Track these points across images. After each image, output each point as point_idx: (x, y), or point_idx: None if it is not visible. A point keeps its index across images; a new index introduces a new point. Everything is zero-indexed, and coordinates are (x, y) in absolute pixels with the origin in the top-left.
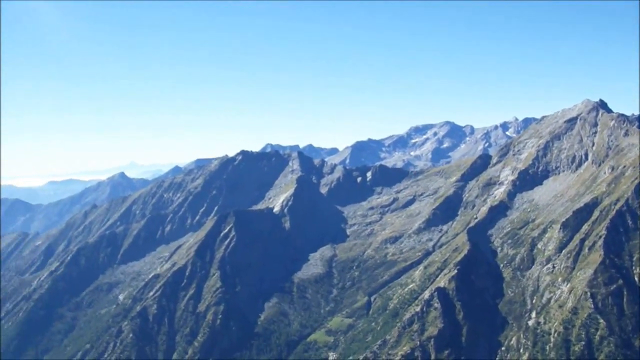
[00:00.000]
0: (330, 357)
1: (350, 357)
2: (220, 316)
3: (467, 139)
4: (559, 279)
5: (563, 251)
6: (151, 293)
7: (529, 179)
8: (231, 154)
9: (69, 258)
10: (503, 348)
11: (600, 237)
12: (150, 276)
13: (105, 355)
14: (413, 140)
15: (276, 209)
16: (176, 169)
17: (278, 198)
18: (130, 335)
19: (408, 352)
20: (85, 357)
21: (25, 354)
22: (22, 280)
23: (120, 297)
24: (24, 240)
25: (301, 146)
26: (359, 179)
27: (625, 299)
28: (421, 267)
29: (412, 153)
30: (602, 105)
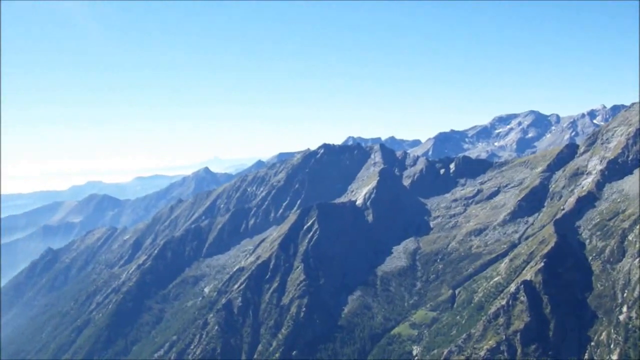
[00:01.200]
0: (414, 351)
1: (435, 351)
2: (304, 309)
3: (553, 128)
4: None
5: None
6: (236, 286)
7: (618, 169)
8: (313, 147)
9: (156, 252)
10: (592, 343)
11: None
12: (234, 269)
13: (192, 347)
14: (497, 131)
15: (359, 202)
16: (259, 163)
17: (360, 191)
18: (216, 327)
19: (494, 346)
20: (173, 348)
21: (115, 345)
22: (112, 273)
23: (206, 289)
24: (113, 235)
25: (383, 138)
26: (442, 171)
27: None
28: (507, 259)
29: (496, 144)
30: None
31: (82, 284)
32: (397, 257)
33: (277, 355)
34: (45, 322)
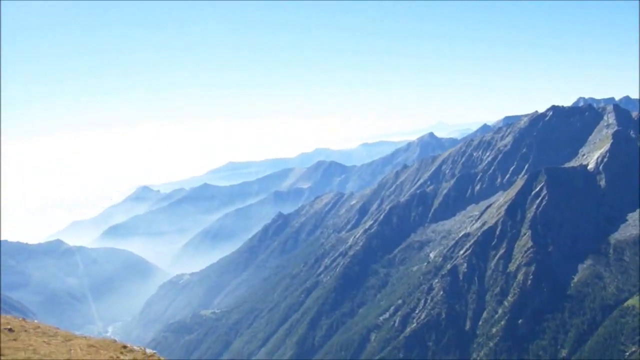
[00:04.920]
0: None
1: None
2: (531, 277)
3: None
4: None
5: None
6: (461, 252)
7: None
8: (541, 109)
9: (381, 217)
10: None
11: None
12: (460, 235)
13: (417, 311)
14: None
15: (590, 166)
16: (485, 128)
17: (592, 155)
18: (441, 292)
19: None
20: (397, 312)
21: (342, 307)
22: (339, 238)
23: (431, 255)
24: (340, 200)
25: (617, 98)
26: None
27: None
28: None
29: None
30: None
31: (311, 248)
32: (632, 225)
33: (502, 322)
34: (277, 283)
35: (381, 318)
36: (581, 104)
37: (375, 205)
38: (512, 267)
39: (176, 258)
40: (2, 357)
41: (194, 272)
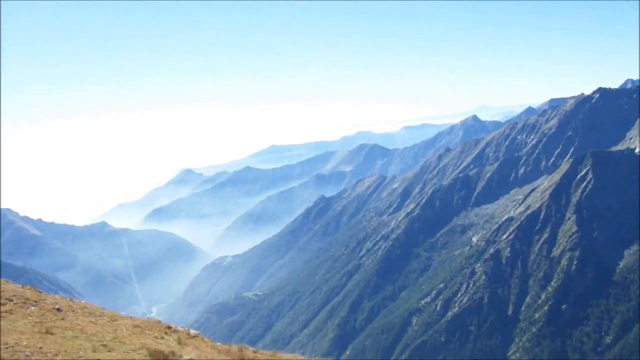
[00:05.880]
0: None
1: None
2: (575, 262)
3: None
4: None
5: None
6: (504, 236)
7: None
8: (587, 92)
9: (424, 200)
10: None
11: None
12: (503, 219)
13: (458, 295)
14: None
15: (637, 150)
16: (529, 110)
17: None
18: (483, 277)
19: None
20: (439, 296)
21: (383, 290)
22: (381, 221)
23: (474, 239)
24: (382, 183)
25: None
26: None
27: None
28: None
29: None
30: None
31: (353, 231)
32: None
33: (545, 308)
34: (318, 266)
35: (423, 302)
36: (629, 85)
37: (417, 189)
38: (556, 252)
39: (219, 240)
40: (51, 336)
41: (236, 255)
